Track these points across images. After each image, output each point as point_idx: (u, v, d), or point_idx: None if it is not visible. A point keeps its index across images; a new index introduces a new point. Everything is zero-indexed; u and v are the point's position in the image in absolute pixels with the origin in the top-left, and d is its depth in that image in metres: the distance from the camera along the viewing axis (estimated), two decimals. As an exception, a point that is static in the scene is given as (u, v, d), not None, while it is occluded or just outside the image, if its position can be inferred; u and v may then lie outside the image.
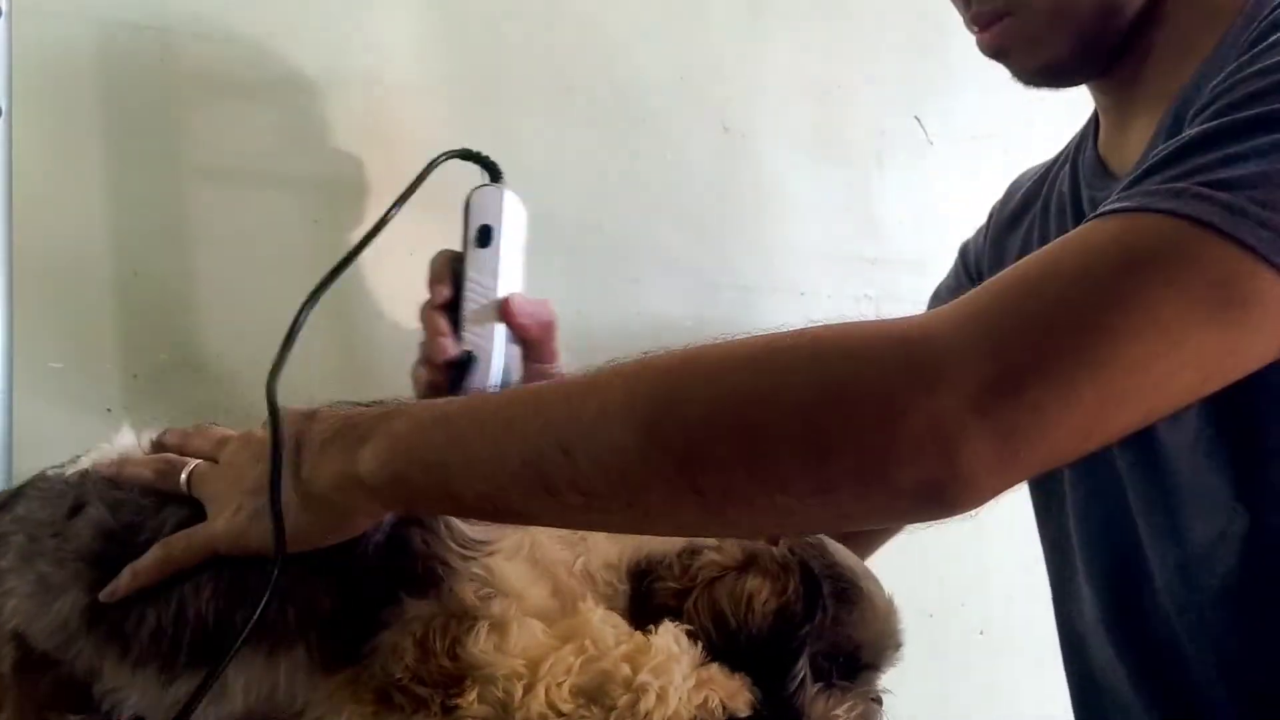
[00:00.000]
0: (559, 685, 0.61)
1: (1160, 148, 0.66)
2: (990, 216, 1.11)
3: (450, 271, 0.91)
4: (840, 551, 0.73)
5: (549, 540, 0.69)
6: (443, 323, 0.91)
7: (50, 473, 0.77)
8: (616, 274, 1.25)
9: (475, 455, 0.62)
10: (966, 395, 0.54)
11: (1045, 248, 0.62)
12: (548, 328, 0.94)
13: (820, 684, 0.68)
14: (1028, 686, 1.46)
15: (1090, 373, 0.54)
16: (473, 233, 0.90)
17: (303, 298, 1.08)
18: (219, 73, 1.06)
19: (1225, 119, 0.62)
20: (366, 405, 0.70)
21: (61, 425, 0.97)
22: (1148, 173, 0.63)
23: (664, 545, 0.72)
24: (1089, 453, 0.57)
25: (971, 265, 1.11)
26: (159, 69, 1.04)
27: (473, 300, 0.90)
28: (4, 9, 0.93)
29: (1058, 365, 0.55)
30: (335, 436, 0.67)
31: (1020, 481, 0.57)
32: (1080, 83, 0.91)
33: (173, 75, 1.04)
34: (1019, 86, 0.95)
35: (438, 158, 0.90)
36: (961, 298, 0.59)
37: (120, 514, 0.71)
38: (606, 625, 0.63)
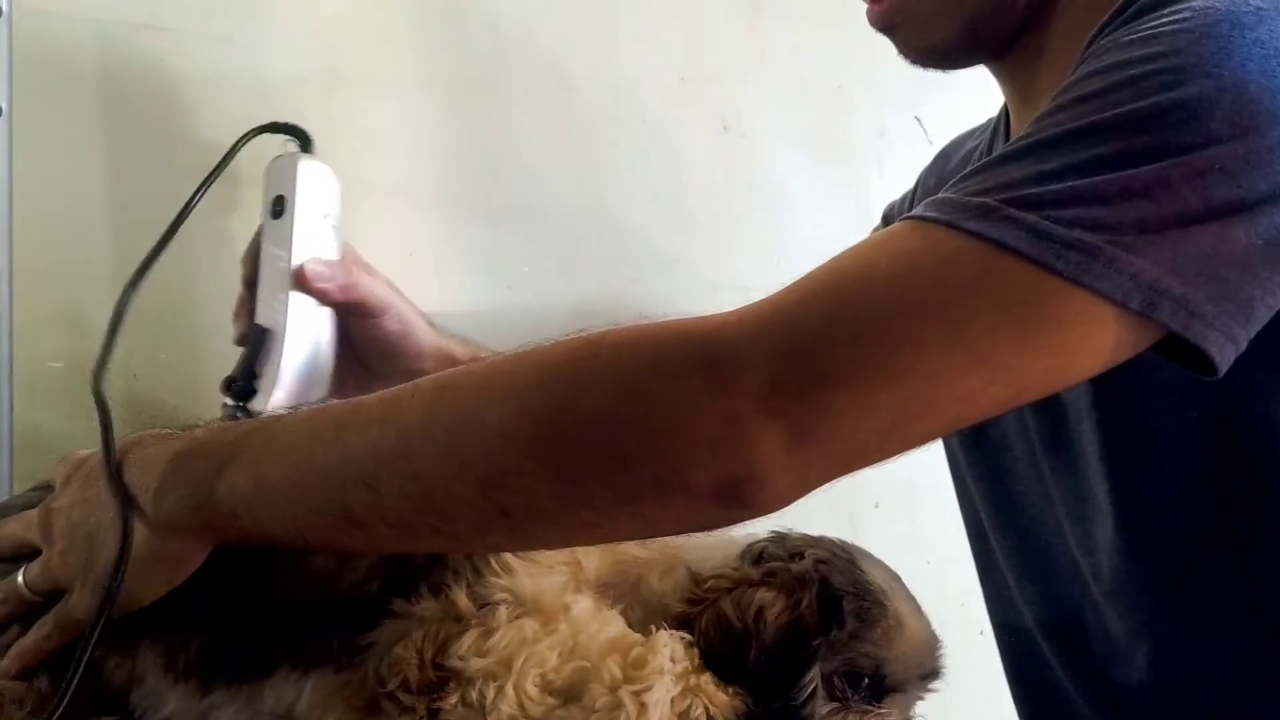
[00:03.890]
0: (534, 684, 0.61)
1: (989, 154, 0.63)
2: (919, 183, 1.10)
3: (256, 248, 0.88)
4: (876, 569, 0.71)
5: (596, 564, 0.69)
6: (241, 302, 0.88)
7: None
8: (616, 274, 1.25)
9: (277, 494, 0.61)
10: (758, 395, 0.54)
11: (854, 248, 0.61)
12: (351, 287, 0.89)
13: (835, 703, 0.66)
14: (1027, 686, 1.45)
15: (889, 380, 0.54)
16: (268, 205, 0.86)
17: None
18: (219, 73, 1.06)
19: (1049, 127, 0.60)
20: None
21: (61, 425, 0.97)
22: (970, 175, 0.61)
23: (700, 560, 0.72)
24: (892, 455, 0.57)
25: None
26: (159, 69, 1.04)
27: (266, 274, 0.85)
28: (4, 9, 0.93)
29: (855, 370, 0.54)
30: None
31: (822, 482, 0.57)
32: (967, 66, 0.89)
33: (173, 75, 1.04)
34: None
35: (248, 133, 0.87)
36: (767, 297, 0.59)
37: None
38: (593, 622, 0.63)
